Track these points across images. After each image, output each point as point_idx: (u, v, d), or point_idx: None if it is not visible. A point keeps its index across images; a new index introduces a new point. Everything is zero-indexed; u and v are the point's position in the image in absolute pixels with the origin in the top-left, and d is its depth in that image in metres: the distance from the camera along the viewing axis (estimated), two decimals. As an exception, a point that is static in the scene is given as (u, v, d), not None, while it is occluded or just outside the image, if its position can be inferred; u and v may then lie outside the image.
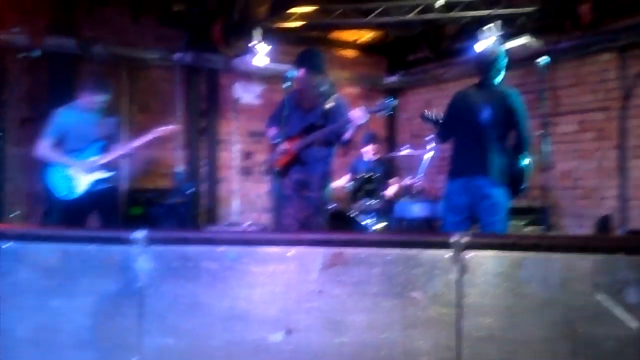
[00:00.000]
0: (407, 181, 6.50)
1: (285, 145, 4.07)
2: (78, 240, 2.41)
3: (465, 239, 2.00)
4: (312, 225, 4.08)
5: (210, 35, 6.91)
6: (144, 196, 6.31)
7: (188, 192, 6.58)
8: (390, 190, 6.33)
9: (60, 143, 4.66)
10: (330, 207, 5.39)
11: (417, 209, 6.42)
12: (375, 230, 5.70)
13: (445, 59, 7.91)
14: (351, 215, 5.78)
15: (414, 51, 8.59)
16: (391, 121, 8.71)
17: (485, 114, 4.05)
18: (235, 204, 7.47)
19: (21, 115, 5.98)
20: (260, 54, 6.56)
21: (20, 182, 5.95)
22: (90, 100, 4.67)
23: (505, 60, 4.17)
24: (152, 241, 2.28)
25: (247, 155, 7.58)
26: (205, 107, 7.28)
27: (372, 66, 8.73)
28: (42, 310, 2.39)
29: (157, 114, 5.67)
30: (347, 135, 4.07)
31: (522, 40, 5.99)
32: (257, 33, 6.53)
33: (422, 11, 6.28)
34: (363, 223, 5.70)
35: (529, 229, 5.86)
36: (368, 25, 7.39)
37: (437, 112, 4.44)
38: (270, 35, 6.67)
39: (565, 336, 1.92)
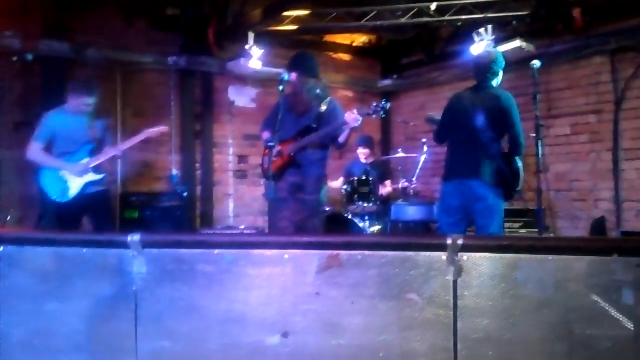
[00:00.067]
0: (402, 184, 6.51)
1: (279, 148, 4.07)
2: (73, 243, 2.41)
3: (460, 241, 2.01)
4: (308, 227, 4.08)
5: (204, 39, 6.91)
6: (139, 199, 6.28)
7: (183, 195, 6.56)
8: (386, 189, 6.34)
9: (50, 146, 4.65)
10: (326, 209, 5.41)
11: (412, 211, 6.43)
12: (371, 233, 5.71)
13: (439, 62, 7.94)
14: (348, 217, 5.79)
15: (407, 54, 8.62)
16: (385, 124, 8.72)
17: (479, 116, 4.06)
18: (230, 207, 7.47)
19: (14, 119, 5.95)
20: (254, 57, 6.56)
21: (14, 185, 5.92)
22: (79, 103, 4.66)
23: (502, 63, 4.20)
24: (147, 244, 2.27)
25: (241, 158, 7.58)
26: (200, 110, 7.27)
27: (366, 69, 8.75)
28: (38, 314, 2.38)
29: (151, 118, 5.65)
30: (341, 137, 4.08)
31: (515, 44, 6.01)
32: (251, 36, 6.53)
33: (416, 14, 6.30)
34: (360, 225, 5.71)
35: (523, 231, 5.88)
36: (362, 28, 7.40)
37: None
38: (264, 38, 6.67)
39: (561, 337, 1.93)
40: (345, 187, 5.87)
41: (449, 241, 2.02)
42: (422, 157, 6.49)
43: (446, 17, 6.25)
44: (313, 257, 2.13)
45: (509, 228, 5.85)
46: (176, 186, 6.87)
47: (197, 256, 2.23)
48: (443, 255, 2.02)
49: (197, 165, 7.22)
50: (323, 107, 4.17)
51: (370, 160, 6.42)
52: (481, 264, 2.01)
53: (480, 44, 6.05)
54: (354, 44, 8.58)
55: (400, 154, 6.61)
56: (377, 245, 2.13)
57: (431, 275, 2.03)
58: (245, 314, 2.17)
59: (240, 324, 2.16)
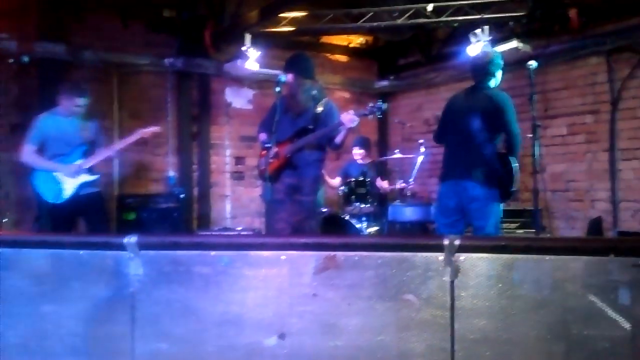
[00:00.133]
0: (399, 184, 6.51)
1: (276, 150, 4.07)
2: (70, 245, 2.40)
3: (457, 242, 2.01)
4: (305, 228, 4.08)
5: (201, 41, 6.91)
6: (136, 201, 6.28)
7: (180, 196, 6.56)
8: (385, 184, 6.33)
9: (43, 148, 4.66)
10: (323, 210, 5.41)
11: (410, 212, 6.43)
12: (368, 234, 5.71)
13: (436, 63, 7.95)
14: (345, 218, 5.78)
15: (404, 55, 8.63)
16: (383, 125, 8.73)
17: (473, 117, 4.07)
18: (227, 209, 7.47)
19: (11, 121, 5.95)
20: (251, 58, 6.56)
21: (11, 188, 5.91)
22: (70, 104, 4.66)
23: (500, 64, 4.19)
24: (144, 246, 2.27)
25: (239, 159, 7.58)
26: (197, 112, 7.26)
27: (363, 70, 8.76)
28: (34, 316, 2.37)
29: (148, 120, 5.65)
30: (338, 138, 4.08)
31: (512, 45, 6.03)
32: (248, 38, 6.53)
33: (413, 16, 6.31)
34: (357, 226, 5.71)
35: (520, 232, 5.89)
36: (359, 30, 7.41)
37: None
38: (261, 40, 6.67)
39: (558, 337, 1.93)
40: (342, 188, 5.88)
41: (446, 242, 2.01)
42: (420, 158, 6.49)
43: (443, 18, 6.27)
44: (310, 259, 2.12)
45: (505, 229, 5.86)
46: (173, 188, 6.87)
47: (194, 258, 2.23)
48: (440, 256, 2.02)
49: (194, 166, 7.22)
50: (319, 109, 4.17)
51: (367, 161, 6.41)
52: (478, 265, 2.01)
53: (477, 45, 6.07)
54: (351, 45, 8.59)
55: (398, 155, 6.62)
56: (374, 247, 2.13)
57: (428, 276, 2.03)
58: (242, 315, 2.17)
59: (237, 325, 2.16)
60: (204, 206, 7.23)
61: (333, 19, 6.60)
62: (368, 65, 8.83)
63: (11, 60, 5.76)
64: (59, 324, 2.35)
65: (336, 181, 6.35)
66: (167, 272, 2.25)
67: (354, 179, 5.84)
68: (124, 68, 6.72)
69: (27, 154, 4.62)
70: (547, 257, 1.97)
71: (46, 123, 4.67)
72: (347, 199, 5.78)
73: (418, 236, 5.24)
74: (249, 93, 7.66)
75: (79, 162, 4.66)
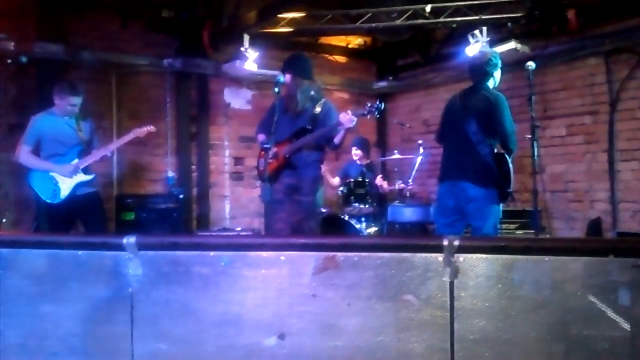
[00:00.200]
0: (398, 185, 6.51)
1: (275, 150, 4.08)
2: (68, 246, 2.40)
3: (457, 242, 2.01)
4: (304, 229, 4.08)
5: (199, 41, 6.91)
6: (135, 201, 6.27)
7: (179, 197, 6.55)
8: (384, 183, 6.32)
9: (39, 149, 4.67)
10: (322, 211, 5.41)
11: (409, 213, 6.44)
12: (367, 234, 5.71)
13: (435, 64, 7.96)
14: (344, 219, 5.78)
15: (403, 56, 8.64)
16: (381, 126, 8.74)
17: (469, 118, 4.08)
18: (226, 209, 7.46)
19: (9, 121, 5.94)
20: (250, 59, 6.56)
21: (10, 188, 5.90)
22: (65, 104, 4.66)
23: (498, 65, 4.18)
24: (143, 246, 2.27)
25: (238, 160, 7.57)
26: (196, 112, 7.26)
27: (361, 71, 8.75)
28: (33, 317, 2.37)
29: (146, 120, 5.63)
30: (337, 138, 4.09)
31: (510, 46, 6.03)
32: (247, 39, 6.53)
33: (411, 17, 6.31)
34: (357, 227, 5.71)
35: (520, 232, 5.89)
36: (357, 30, 7.42)
37: None
38: (259, 40, 6.67)
39: (558, 338, 1.93)
40: (341, 188, 5.88)
41: (445, 242, 2.02)
42: (419, 159, 6.50)
43: (441, 19, 6.27)
44: (309, 259, 2.12)
45: (505, 229, 5.87)
46: (172, 188, 6.86)
47: (193, 258, 2.23)
48: (440, 257, 2.02)
49: (193, 167, 7.21)
50: (318, 109, 4.18)
51: (365, 161, 6.41)
52: (477, 265, 2.01)
53: (476, 46, 6.07)
54: (349, 46, 8.59)
55: (397, 156, 6.62)
56: (373, 247, 2.13)
57: (428, 277, 2.03)
58: (242, 316, 2.16)
59: (237, 326, 2.16)
60: (203, 206, 7.22)
61: (331, 19, 6.60)
62: (367, 66, 8.83)
63: (9, 61, 5.75)
64: (58, 324, 2.35)
65: (336, 181, 6.35)
66: (166, 273, 2.25)
67: (353, 180, 5.84)
68: (123, 68, 6.72)
69: (23, 154, 4.62)
70: (547, 258, 1.97)
71: (41, 123, 4.67)
72: (347, 199, 5.78)
73: (417, 237, 5.24)
74: (247, 93, 7.65)
75: (74, 162, 4.66)
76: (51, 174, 4.61)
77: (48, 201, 4.60)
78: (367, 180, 5.81)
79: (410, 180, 6.51)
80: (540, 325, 1.95)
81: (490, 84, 4.17)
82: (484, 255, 2.01)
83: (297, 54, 4.65)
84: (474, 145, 4.02)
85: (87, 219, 4.79)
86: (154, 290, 2.25)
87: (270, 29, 6.69)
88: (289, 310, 2.12)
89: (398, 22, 6.37)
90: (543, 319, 1.95)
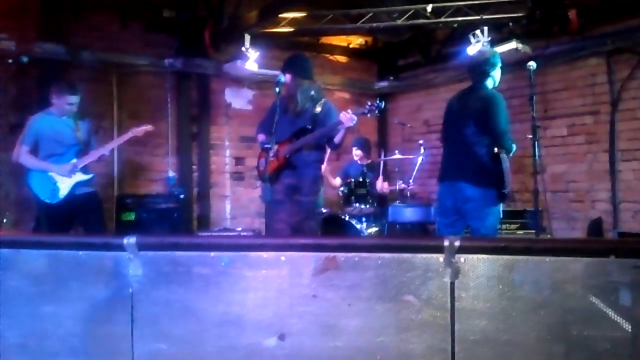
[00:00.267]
0: (399, 185, 6.51)
1: (275, 150, 4.08)
2: (68, 246, 2.40)
3: (458, 243, 2.01)
4: (305, 229, 4.08)
5: (200, 41, 6.90)
6: (136, 201, 6.27)
7: (180, 197, 6.55)
8: (383, 186, 6.32)
9: (37, 149, 4.67)
10: (322, 211, 5.41)
11: (409, 213, 6.43)
12: (368, 234, 5.71)
13: (435, 64, 7.96)
14: (345, 219, 5.78)
15: (404, 56, 8.63)
16: (382, 125, 8.74)
17: (465, 118, 4.08)
18: (227, 209, 7.46)
19: (10, 121, 5.94)
20: (251, 59, 6.56)
21: (10, 188, 5.90)
22: (63, 103, 4.67)
23: (496, 64, 4.17)
24: (143, 247, 2.27)
25: (238, 160, 7.57)
26: (196, 112, 7.26)
27: (362, 71, 8.75)
28: (34, 317, 2.37)
29: (147, 120, 5.62)
30: (337, 138, 4.09)
31: (511, 46, 6.02)
32: (247, 38, 6.52)
33: (412, 16, 6.31)
34: (357, 227, 5.70)
35: (520, 232, 5.89)
36: (358, 30, 7.41)
37: None
38: (260, 40, 6.67)
39: (558, 338, 1.93)
40: (342, 188, 5.88)
41: (446, 243, 2.01)
42: (419, 159, 6.49)
43: (442, 19, 6.26)
44: (310, 259, 2.12)
45: (506, 229, 5.86)
46: (173, 188, 6.86)
47: (193, 258, 2.22)
48: (440, 257, 2.02)
49: (194, 167, 7.21)
50: (318, 109, 4.18)
51: (366, 161, 6.41)
52: (478, 266, 2.00)
53: (477, 46, 6.06)
54: (350, 46, 8.59)
55: (397, 156, 6.62)
56: (374, 247, 2.12)
57: (428, 277, 2.02)
58: (242, 316, 2.16)
59: (237, 326, 2.16)
60: (204, 207, 7.22)
61: (332, 19, 6.60)
62: (367, 66, 8.82)
63: (10, 61, 5.76)
64: (59, 325, 2.35)
65: (337, 181, 6.35)
66: (167, 273, 2.24)
67: (353, 180, 5.84)
68: (123, 68, 6.72)
69: (22, 155, 4.63)
70: (548, 259, 1.96)
71: (39, 123, 4.68)
72: (347, 199, 5.78)
73: (418, 237, 5.24)
74: (248, 93, 7.65)
75: (73, 161, 4.67)
76: (50, 173, 4.62)
77: (47, 201, 4.60)
78: (367, 180, 5.81)
79: (411, 181, 6.51)
80: (540, 325, 1.95)
81: (489, 83, 4.16)
82: (484, 256, 2.01)
83: (297, 54, 4.66)
84: (471, 146, 4.02)
85: (86, 218, 4.79)
86: (154, 290, 2.25)
87: (271, 28, 6.69)
88: (289, 311, 2.12)
89: (399, 22, 6.36)
90: (544, 320, 1.95)
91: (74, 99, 4.71)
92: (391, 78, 8.63)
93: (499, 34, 6.24)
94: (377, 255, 2.07)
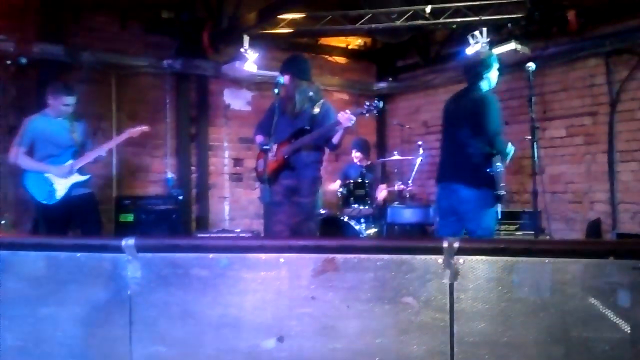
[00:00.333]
0: (398, 186, 6.51)
1: (274, 151, 4.08)
2: (67, 248, 2.39)
3: (457, 244, 2.00)
4: (304, 231, 4.07)
5: (199, 42, 6.90)
6: (134, 203, 6.26)
7: (178, 198, 6.54)
8: (381, 195, 6.34)
9: (33, 150, 4.67)
10: (321, 212, 5.41)
11: (408, 214, 6.43)
12: (367, 236, 5.71)
13: (434, 64, 7.96)
14: (344, 220, 5.78)
15: (403, 57, 8.64)
16: (381, 126, 8.74)
17: (458, 119, 4.09)
18: (226, 210, 7.45)
19: (9, 122, 5.93)
20: (250, 60, 6.55)
21: (9, 189, 5.90)
22: (58, 104, 4.67)
23: (492, 66, 4.16)
24: (141, 248, 2.26)
25: (237, 161, 7.57)
26: (195, 113, 7.25)
27: (361, 72, 8.75)
28: (32, 319, 2.36)
29: (146, 121, 5.62)
30: (335, 138, 4.09)
31: (510, 47, 6.02)
32: (246, 39, 6.52)
33: (411, 17, 6.31)
34: (356, 228, 5.70)
35: (519, 233, 5.89)
36: (357, 31, 7.41)
37: None
38: (259, 41, 6.67)
39: (558, 340, 1.92)
40: (341, 190, 5.87)
41: (445, 244, 2.01)
42: (418, 160, 6.49)
43: (441, 20, 6.26)
44: (309, 261, 2.11)
45: (505, 230, 5.86)
46: (171, 189, 6.86)
47: (192, 260, 2.22)
48: (439, 259, 2.01)
49: (193, 168, 7.21)
50: (316, 110, 4.18)
51: (365, 163, 6.41)
52: (477, 267, 2.00)
53: (475, 47, 6.06)
54: (349, 47, 8.59)
55: (396, 157, 6.62)
56: (373, 249, 2.12)
57: (427, 279, 2.02)
58: (241, 318, 2.16)
59: (236, 328, 2.15)
60: (203, 208, 7.22)
61: (331, 20, 6.59)
62: (366, 67, 8.83)
63: (9, 62, 5.75)
64: (57, 327, 2.34)
65: (336, 185, 6.33)
66: (165, 275, 2.24)
67: (352, 181, 5.84)
68: (122, 69, 6.71)
69: (18, 156, 4.63)
70: (547, 260, 1.96)
71: (35, 124, 4.68)
72: (346, 200, 5.78)
73: (417, 238, 5.23)
74: (247, 94, 7.65)
75: (69, 162, 4.67)
76: (46, 175, 4.62)
77: (44, 202, 4.60)
78: (366, 181, 5.81)
79: (409, 182, 6.51)
80: (540, 327, 1.95)
81: (484, 85, 4.14)
82: (483, 257, 2.00)
83: (295, 55, 4.66)
84: (465, 147, 4.02)
85: (83, 220, 4.79)
86: (152, 292, 2.25)
87: (270, 30, 6.69)
88: (288, 313, 2.11)
89: (398, 23, 6.36)
90: (543, 321, 1.95)
91: (70, 100, 4.70)
92: (390, 79, 8.63)
93: (498, 35, 6.24)
94: (376, 257, 2.07)
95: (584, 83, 6.38)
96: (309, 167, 4.18)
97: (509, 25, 6.13)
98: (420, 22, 6.33)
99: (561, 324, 1.93)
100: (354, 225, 5.72)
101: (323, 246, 2.16)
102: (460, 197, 4.02)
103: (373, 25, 6.50)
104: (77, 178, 4.70)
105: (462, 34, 6.47)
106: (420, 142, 6.63)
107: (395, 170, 6.84)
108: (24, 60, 5.75)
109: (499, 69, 4.21)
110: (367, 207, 5.73)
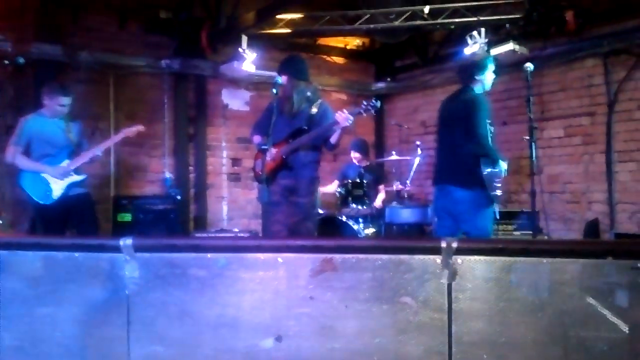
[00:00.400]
0: (396, 186, 6.51)
1: (272, 151, 4.08)
2: (65, 248, 2.38)
3: (455, 244, 2.00)
4: (302, 230, 4.07)
5: (197, 42, 6.89)
6: (132, 202, 6.26)
7: (176, 198, 6.54)
8: (379, 200, 6.34)
9: (29, 150, 4.67)
10: (320, 212, 5.40)
11: (407, 214, 6.43)
12: (365, 236, 5.71)
13: (433, 65, 7.96)
14: (342, 220, 5.77)
15: (401, 57, 8.64)
16: (379, 127, 8.74)
17: (449, 121, 4.10)
18: (224, 210, 7.45)
19: (6, 122, 5.92)
20: (248, 60, 6.55)
21: (6, 189, 5.89)
22: (54, 104, 4.67)
23: (486, 68, 4.15)
24: (139, 248, 2.26)
25: (235, 161, 7.56)
26: (194, 113, 7.25)
27: (359, 72, 8.75)
28: (29, 319, 2.36)
29: (144, 121, 5.63)
30: (333, 138, 4.09)
31: (508, 47, 6.02)
32: (245, 40, 6.52)
33: (409, 18, 6.31)
34: (354, 228, 5.70)
35: (517, 233, 5.89)
36: (355, 31, 7.41)
37: None
38: (257, 41, 6.66)
39: (556, 340, 1.92)
40: (339, 190, 5.87)
41: (443, 244, 2.01)
42: (416, 160, 6.49)
43: (439, 20, 6.26)
44: (307, 261, 2.11)
45: (502, 230, 5.87)
46: (170, 189, 6.85)
47: (190, 260, 2.22)
48: (437, 259, 2.01)
49: (191, 168, 7.20)
50: (314, 110, 4.18)
51: (364, 163, 6.41)
52: (476, 267, 2.00)
53: (474, 47, 6.06)
54: (347, 47, 8.59)
55: (394, 157, 6.62)
56: (371, 249, 2.12)
57: (426, 279, 2.02)
58: (239, 318, 2.15)
59: (234, 328, 2.15)
60: (201, 208, 7.21)
61: (329, 20, 6.59)
62: (365, 67, 8.83)
63: (7, 62, 5.74)
64: (55, 327, 2.34)
65: (332, 186, 6.32)
66: (163, 275, 2.23)
67: (351, 181, 5.84)
68: (121, 69, 6.71)
69: (15, 155, 4.63)
70: (545, 260, 1.96)
71: (31, 124, 4.68)
72: (344, 200, 5.77)
73: (415, 238, 5.24)
74: (245, 95, 7.65)
75: (65, 162, 4.66)
76: (43, 174, 4.61)
77: (40, 202, 4.60)
78: (365, 181, 5.81)
79: (408, 182, 6.51)
80: (538, 327, 1.95)
81: (477, 86, 4.14)
82: (482, 257, 2.01)
83: (292, 55, 4.66)
84: (457, 148, 4.03)
85: (79, 219, 4.79)
86: (150, 292, 2.24)
87: (269, 30, 6.68)
88: (286, 313, 2.11)
89: (396, 23, 6.36)
90: (541, 321, 1.95)
91: (66, 100, 4.71)
92: (388, 79, 8.63)
93: (496, 35, 6.25)
94: (374, 257, 2.07)
95: (582, 83, 6.39)
96: (307, 167, 4.18)
97: (507, 25, 6.13)
98: (418, 22, 6.33)
99: (559, 324, 1.93)
100: (352, 225, 5.72)
101: (321, 246, 2.16)
102: (454, 198, 4.02)
103: (371, 26, 6.50)
104: (74, 178, 4.70)
105: (460, 35, 6.48)
106: (418, 142, 6.63)
107: (394, 170, 6.84)
108: (21, 60, 5.73)
109: (495, 71, 4.21)
110: (365, 207, 5.73)
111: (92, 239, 2.89)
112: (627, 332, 1.87)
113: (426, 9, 6.22)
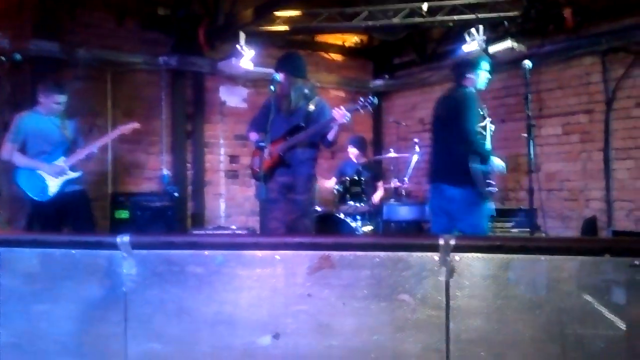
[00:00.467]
0: (394, 184, 6.51)
1: (269, 148, 4.07)
2: (62, 245, 2.38)
3: (453, 241, 2.00)
4: (299, 228, 4.08)
5: (195, 39, 6.88)
6: (130, 200, 6.24)
7: (174, 195, 6.53)
8: (377, 197, 6.34)
9: (25, 147, 4.67)
10: (317, 209, 5.40)
11: (404, 211, 6.43)
12: (363, 233, 5.71)
13: (431, 62, 7.96)
14: (340, 217, 5.77)
15: (399, 55, 8.63)
16: (377, 124, 8.73)
17: (443, 119, 4.10)
18: (221, 207, 7.44)
19: (4, 119, 5.90)
20: (246, 57, 6.54)
21: (3, 186, 5.87)
22: (50, 102, 4.67)
23: (479, 67, 4.14)
24: (137, 245, 2.25)
25: (233, 158, 7.56)
26: (191, 110, 7.24)
27: (358, 70, 8.75)
28: (26, 316, 2.35)
29: (142, 118, 5.63)
30: (330, 135, 4.10)
31: (506, 44, 6.02)
32: (242, 36, 6.51)
33: (407, 15, 6.30)
34: (352, 225, 5.70)
35: (515, 231, 5.90)
36: (353, 29, 7.40)
37: None
38: (255, 38, 6.65)
39: (553, 337, 1.93)
40: (337, 187, 5.86)
41: (441, 242, 2.01)
42: (414, 157, 6.49)
43: (438, 18, 6.26)
44: (304, 258, 2.11)
45: (500, 228, 5.87)
46: (167, 186, 6.84)
47: (187, 257, 2.21)
48: (435, 256, 2.01)
49: (189, 165, 7.20)
50: (311, 107, 4.19)
51: (362, 160, 6.40)
52: (473, 265, 2.00)
53: (472, 44, 6.06)
54: (345, 44, 8.58)
55: (392, 154, 6.61)
56: (369, 246, 2.12)
57: (423, 276, 2.02)
58: (236, 315, 2.15)
59: (231, 325, 2.15)
60: (198, 205, 7.21)
61: (328, 18, 6.58)
62: (363, 64, 8.82)
63: (4, 58, 5.71)
64: (52, 324, 2.33)
65: (331, 182, 6.32)
66: (161, 272, 2.23)
67: (348, 178, 5.83)
68: (118, 66, 6.69)
69: (11, 152, 4.63)
70: (543, 257, 1.96)
71: (27, 121, 4.68)
72: (342, 198, 5.77)
73: (413, 236, 5.23)
74: (243, 92, 7.64)
75: (61, 160, 4.66)
76: (39, 171, 4.61)
77: (37, 199, 4.60)
78: (363, 178, 5.80)
79: (405, 179, 6.51)
80: (535, 325, 1.95)
81: (469, 84, 4.13)
82: (479, 255, 2.01)
83: (290, 53, 4.66)
84: (448, 146, 4.04)
85: (75, 216, 4.80)
86: (148, 289, 2.24)
87: (267, 27, 6.67)
88: (284, 310, 2.11)
89: (394, 20, 6.35)
90: (539, 319, 1.95)
91: (62, 98, 4.70)
92: (386, 76, 8.63)
93: (495, 32, 6.24)
94: (372, 254, 2.06)
95: (580, 81, 6.39)
96: (305, 164, 4.18)
97: (506, 23, 6.13)
98: (416, 19, 6.32)
99: (557, 321, 1.93)
100: (350, 223, 5.72)
101: (319, 243, 2.16)
102: (447, 196, 4.03)
103: (370, 23, 6.49)
104: (70, 175, 4.70)
105: (458, 32, 6.47)
106: (416, 140, 6.62)
107: (392, 168, 6.83)
108: (19, 57, 5.71)
109: (491, 70, 4.20)
110: (363, 204, 5.73)
111: (89, 236, 2.88)
112: (625, 329, 1.87)
113: (424, 6, 6.21)
